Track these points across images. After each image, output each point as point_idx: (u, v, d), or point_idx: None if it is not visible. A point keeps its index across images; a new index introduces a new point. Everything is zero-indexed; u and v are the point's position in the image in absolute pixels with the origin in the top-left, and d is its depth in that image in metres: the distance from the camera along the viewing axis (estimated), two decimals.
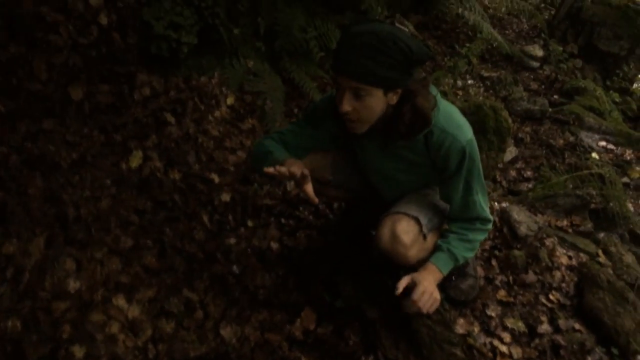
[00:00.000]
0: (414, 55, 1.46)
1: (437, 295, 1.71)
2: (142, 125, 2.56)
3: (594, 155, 4.07)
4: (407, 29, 1.53)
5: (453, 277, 2.21)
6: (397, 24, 1.53)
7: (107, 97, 2.52)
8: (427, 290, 1.67)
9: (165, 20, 2.66)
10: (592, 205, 3.11)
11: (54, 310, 1.76)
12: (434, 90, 1.67)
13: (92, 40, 2.55)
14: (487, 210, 1.82)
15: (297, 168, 1.58)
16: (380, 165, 1.89)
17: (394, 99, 1.56)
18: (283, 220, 2.56)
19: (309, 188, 1.63)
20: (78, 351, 1.67)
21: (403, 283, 1.67)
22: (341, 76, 1.49)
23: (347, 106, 1.51)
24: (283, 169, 1.53)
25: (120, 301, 1.88)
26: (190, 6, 2.76)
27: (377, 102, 1.53)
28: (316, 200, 1.66)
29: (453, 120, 1.67)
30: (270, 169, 1.52)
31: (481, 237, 1.85)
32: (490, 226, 1.86)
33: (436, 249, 1.82)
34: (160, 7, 2.67)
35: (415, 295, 1.65)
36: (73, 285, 1.86)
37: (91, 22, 2.56)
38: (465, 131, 1.66)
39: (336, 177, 2.01)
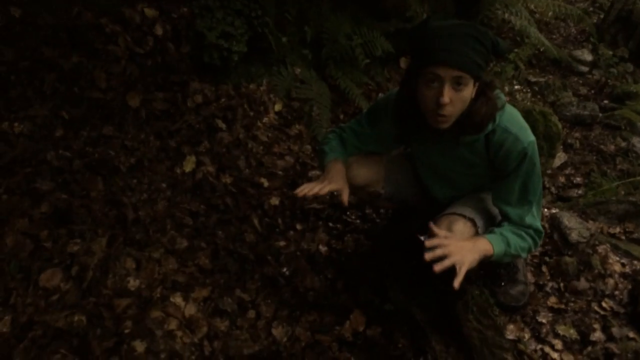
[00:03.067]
0: (500, 47, 1.49)
1: (464, 254, 1.53)
2: (195, 131, 2.65)
3: None
4: None
5: (503, 283, 2.19)
6: None
7: (162, 105, 2.63)
8: (453, 248, 1.52)
9: (217, 30, 2.75)
10: None
11: (116, 307, 1.85)
12: (500, 96, 1.68)
13: (148, 50, 2.67)
14: (539, 222, 1.78)
15: (334, 185, 1.74)
16: (436, 164, 1.91)
17: (474, 91, 1.55)
18: (331, 224, 2.60)
19: (344, 198, 1.77)
20: (139, 346, 1.75)
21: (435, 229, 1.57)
22: (442, 66, 1.44)
23: (447, 98, 1.46)
24: (316, 189, 1.69)
25: (178, 299, 1.96)
26: (240, 16, 2.85)
27: (470, 92, 1.52)
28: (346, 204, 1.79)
29: (516, 121, 1.67)
30: (305, 191, 1.68)
31: (532, 244, 1.78)
32: (540, 240, 1.80)
33: (488, 232, 1.76)
34: (212, 17, 2.77)
35: (435, 241, 1.51)
36: (133, 283, 1.95)
37: (147, 33, 2.69)
38: (527, 133, 1.66)
39: (388, 190, 2.06)
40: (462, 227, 1.76)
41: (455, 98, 1.49)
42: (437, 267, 1.46)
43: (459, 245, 1.55)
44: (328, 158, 1.90)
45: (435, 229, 1.58)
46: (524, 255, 1.79)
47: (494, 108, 1.60)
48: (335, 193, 1.84)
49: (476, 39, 1.43)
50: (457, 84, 1.47)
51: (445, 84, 1.46)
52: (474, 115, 1.58)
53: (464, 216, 1.78)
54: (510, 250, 1.72)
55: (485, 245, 1.66)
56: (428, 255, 1.47)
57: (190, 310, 1.95)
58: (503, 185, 1.74)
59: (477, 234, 1.77)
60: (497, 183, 1.78)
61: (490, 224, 1.88)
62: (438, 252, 1.48)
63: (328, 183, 1.76)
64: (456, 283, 1.49)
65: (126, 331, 1.78)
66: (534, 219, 1.76)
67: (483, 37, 1.45)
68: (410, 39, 1.56)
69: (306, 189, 1.70)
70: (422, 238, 1.57)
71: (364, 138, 1.96)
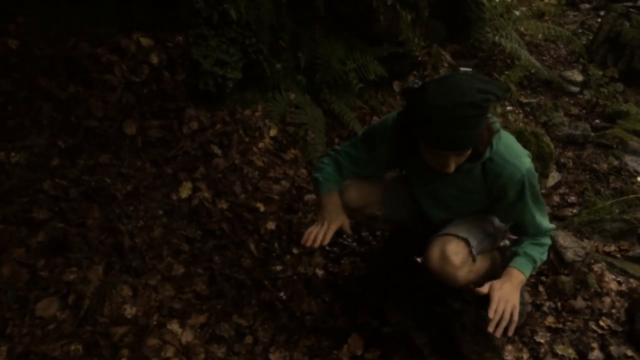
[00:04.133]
0: (499, 97, 1.52)
1: (514, 300, 1.68)
2: (190, 158, 2.67)
3: None
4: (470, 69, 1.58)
5: None
6: (462, 69, 1.57)
7: (158, 132, 2.65)
8: (502, 297, 1.66)
9: (212, 58, 2.79)
10: None
11: (112, 335, 1.84)
12: (495, 122, 1.72)
13: (144, 79, 2.70)
14: (549, 222, 1.88)
15: (334, 225, 1.82)
16: (433, 189, 1.94)
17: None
18: (327, 247, 2.60)
19: (347, 229, 1.90)
20: None
21: (484, 289, 1.69)
22: (447, 150, 1.54)
23: (452, 167, 1.58)
24: (321, 237, 1.77)
25: (174, 326, 1.95)
26: (235, 44, 2.89)
27: (464, 157, 1.60)
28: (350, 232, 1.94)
29: (513, 149, 1.72)
30: (312, 243, 1.76)
31: (549, 244, 1.89)
32: (551, 239, 1.92)
33: (513, 255, 1.85)
34: (207, 45, 2.81)
35: (490, 310, 1.64)
36: (130, 311, 1.94)
37: (143, 62, 2.72)
38: (524, 160, 1.71)
39: (385, 212, 2.08)
40: (455, 247, 1.79)
41: (458, 161, 1.59)
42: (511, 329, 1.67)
43: (505, 294, 1.68)
44: (323, 190, 1.92)
45: (477, 290, 1.71)
46: (545, 258, 1.88)
47: (490, 134, 1.64)
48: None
49: (470, 118, 1.45)
50: (460, 155, 1.57)
51: (450, 158, 1.56)
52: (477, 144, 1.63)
53: (457, 236, 1.82)
54: (537, 265, 1.83)
55: (519, 277, 1.77)
56: (497, 331, 1.64)
57: (187, 337, 1.94)
58: (509, 211, 1.82)
59: (470, 253, 1.80)
60: (501, 210, 1.86)
61: (487, 241, 1.92)
62: (505, 317, 1.65)
63: (328, 224, 1.81)
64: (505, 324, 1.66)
65: (123, 359, 1.77)
66: (546, 223, 1.85)
67: (477, 111, 1.45)
68: (411, 112, 1.61)
69: (312, 240, 1.77)
70: (418, 260, 1.61)
71: (360, 162, 1.98)
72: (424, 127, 1.51)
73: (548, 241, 1.88)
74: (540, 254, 1.84)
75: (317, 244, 1.76)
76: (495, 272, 1.90)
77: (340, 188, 1.97)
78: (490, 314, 1.63)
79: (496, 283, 1.71)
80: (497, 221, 2.00)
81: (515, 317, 1.66)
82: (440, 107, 1.44)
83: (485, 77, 1.58)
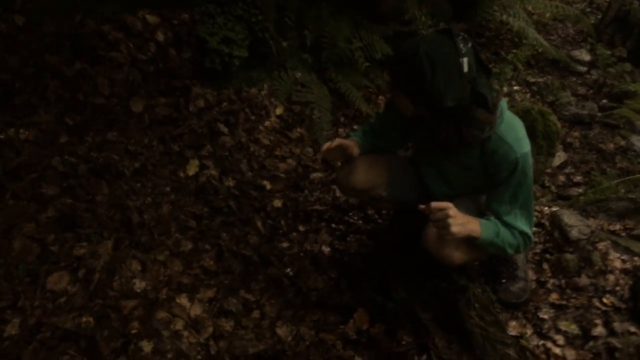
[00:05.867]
0: (429, 92, 1.55)
1: (456, 217, 1.63)
2: (197, 135, 2.68)
3: None
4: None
5: (503, 280, 2.22)
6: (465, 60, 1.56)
7: (165, 109, 2.66)
8: (451, 210, 1.62)
9: (218, 36, 2.78)
10: None
11: (122, 308, 1.87)
12: (503, 103, 1.72)
13: (150, 56, 2.71)
14: (529, 229, 1.83)
15: (340, 141, 1.96)
16: (436, 162, 1.97)
17: (425, 113, 1.67)
18: (333, 225, 2.62)
19: (355, 151, 2.02)
20: (146, 346, 1.77)
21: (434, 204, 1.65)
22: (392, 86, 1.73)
23: (390, 89, 1.76)
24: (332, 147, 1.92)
25: (183, 300, 1.98)
26: (241, 21, 2.89)
27: (406, 105, 1.69)
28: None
29: (513, 132, 1.71)
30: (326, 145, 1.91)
31: (521, 243, 1.83)
32: (528, 242, 1.86)
33: (485, 217, 1.83)
34: (213, 23, 2.80)
35: (436, 204, 1.62)
36: (139, 285, 1.97)
37: (149, 39, 2.72)
38: (522, 144, 1.70)
39: (390, 192, 2.12)
40: None
41: (394, 97, 1.78)
42: (435, 205, 1.61)
43: (455, 212, 1.63)
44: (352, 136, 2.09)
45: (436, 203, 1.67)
46: (509, 251, 1.84)
47: (463, 135, 1.66)
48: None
49: (410, 68, 1.54)
50: (400, 99, 1.70)
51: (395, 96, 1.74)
52: (429, 137, 1.75)
53: None
54: (497, 240, 1.78)
55: (474, 225, 1.73)
56: (430, 204, 1.61)
57: (196, 310, 1.97)
58: (495, 192, 1.80)
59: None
60: (490, 189, 1.84)
61: None
62: (442, 204, 1.61)
63: (338, 140, 1.96)
64: (447, 234, 1.63)
65: (133, 332, 1.81)
66: (523, 224, 1.81)
67: (417, 71, 1.53)
68: None
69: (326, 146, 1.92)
70: (421, 206, 1.62)
71: (377, 130, 2.09)
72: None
73: (518, 240, 1.82)
74: (508, 239, 1.80)
75: (329, 147, 1.91)
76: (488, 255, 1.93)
77: (362, 142, 2.09)
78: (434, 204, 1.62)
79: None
80: None
81: (451, 229, 1.61)
82: (408, 43, 1.60)
83: (461, 78, 1.55)
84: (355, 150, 2.01)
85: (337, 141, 1.94)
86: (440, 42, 1.54)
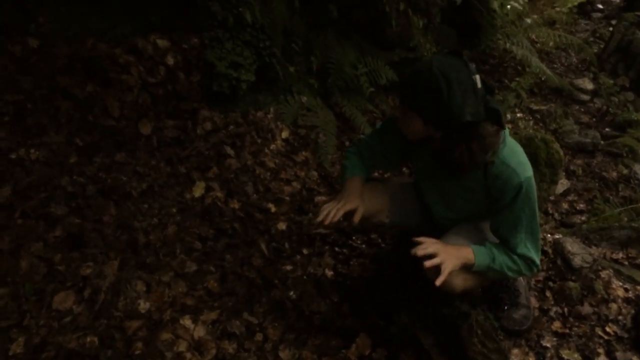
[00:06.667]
0: (448, 109, 1.56)
1: (446, 255, 1.68)
2: (204, 158, 2.72)
3: None
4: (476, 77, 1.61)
5: (506, 307, 2.22)
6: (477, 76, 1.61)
7: (173, 132, 2.70)
8: (440, 249, 1.68)
9: (226, 60, 2.84)
10: None
11: (127, 329, 1.88)
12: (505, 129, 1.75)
13: (160, 80, 2.76)
14: (535, 255, 1.82)
15: (349, 205, 1.86)
16: (437, 185, 1.98)
17: (436, 133, 1.68)
18: (337, 249, 2.64)
19: (357, 217, 1.89)
20: None
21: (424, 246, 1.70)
22: (399, 102, 1.73)
23: (397, 113, 1.77)
24: (333, 213, 1.82)
25: (187, 322, 1.99)
26: (249, 46, 2.94)
27: (416, 126, 1.69)
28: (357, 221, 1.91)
29: (516, 156, 1.73)
30: (327, 218, 1.82)
31: (524, 268, 1.83)
32: (535, 270, 1.85)
33: (479, 244, 1.85)
34: (222, 48, 2.86)
35: (424, 243, 1.68)
36: (143, 305, 1.99)
37: (159, 63, 2.77)
38: (525, 168, 1.72)
39: (392, 219, 2.13)
40: None
41: (402, 120, 1.75)
42: (428, 263, 1.65)
43: (444, 249, 1.70)
44: (347, 175, 2.03)
45: (420, 238, 1.72)
46: (511, 275, 1.84)
47: (473, 158, 1.66)
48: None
49: (427, 87, 1.56)
50: (403, 111, 1.71)
51: (399, 105, 1.74)
52: (440, 159, 1.73)
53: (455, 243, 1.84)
54: (494, 265, 1.79)
55: (467, 254, 1.77)
56: (420, 251, 1.66)
57: (199, 332, 1.98)
58: (499, 217, 1.81)
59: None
60: (494, 214, 1.84)
61: None
62: (429, 250, 1.67)
63: (344, 204, 1.87)
64: (438, 281, 1.66)
65: (137, 352, 1.82)
66: (527, 250, 1.80)
67: (434, 90, 1.55)
68: None
69: (326, 215, 1.82)
70: (413, 251, 1.67)
71: (376, 152, 2.07)
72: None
73: (519, 265, 1.81)
74: (506, 263, 1.80)
75: (327, 222, 1.82)
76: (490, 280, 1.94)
77: (365, 174, 2.07)
78: (422, 245, 1.68)
79: (441, 242, 1.76)
80: None
81: (444, 271, 1.66)
82: (419, 64, 1.62)
83: (475, 93, 1.59)
84: (359, 213, 1.90)
85: (343, 210, 1.85)
86: (451, 61, 1.58)
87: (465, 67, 1.57)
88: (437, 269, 1.69)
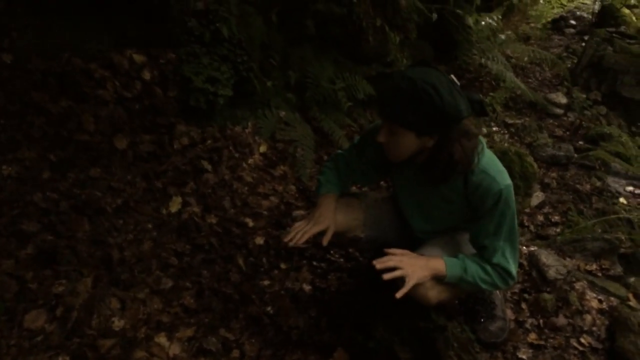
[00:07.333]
0: (446, 111, 1.57)
1: (413, 267, 1.70)
2: (181, 173, 2.70)
3: (622, 200, 4.06)
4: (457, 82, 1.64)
5: (482, 319, 2.24)
6: (452, 76, 1.64)
7: (149, 147, 2.68)
8: (406, 261, 1.70)
9: (203, 75, 2.84)
10: (622, 250, 3.11)
11: (100, 347, 1.85)
12: (482, 139, 1.78)
13: (136, 94, 2.75)
14: (512, 265, 1.82)
15: (319, 227, 1.88)
16: (416, 197, 1.99)
17: (429, 142, 1.68)
18: (315, 263, 2.63)
19: (325, 240, 1.91)
20: None
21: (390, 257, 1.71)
22: (381, 117, 1.69)
23: (382, 138, 1.70)
24: (301, 234, 1.85)
25: (162, 339, 1.96)
26: (226, 61, 2.95)
27: (409, 142, 1.67)
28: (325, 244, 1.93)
29: (495, 165, 1.77)
30: (295, 238, 1.84)
31: (498, 280, 1.83)
32: (510, 281, 1.85)
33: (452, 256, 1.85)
34: (199, 63, 2.86)
35: (388, 255, 1.70)
36: (117, 323, 1.96)
37: (135, 78, 2.76)
38: (504, 177, 1.75)
39: (367, 234, 2.13)
40: None
41: (392, 141, 1.70)
42: (386, 276, 1.65)
43: (411, 261, 1.72)
44: (321, 190, 2.04)
45: (390, 250, 1.73)
46: (484, 287, 1.84)
47: (458, 162, 1.68)
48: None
49: (411, 97, 1.56)
50: (392, 131, 1.67)
51: (384, 127, 1.70)
52: (435, 166, 1.72)
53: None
54: (467, 277, 1.80)
55: (438, 265, 1.78)
56: (378, 264, 1.66)
57: (175, 350, 1.96)
58: (479, 225, 1.82)
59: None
60: (473, 222, 1.85)
61: None
62: (390, 263, 1.67)
63: (314, 224, 1.89)
64: (399, 294, 1.68)
65: None
66: (504, 259, 1.81)
67: (419, 97, 1.55)
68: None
69: (294, 236, 1.84)
70: (374, 262, 1.68)
71: (354, 166, 2.09)
72: (379, 97, 1.69)
73: (492, 277, 1.82)
74: (479, 274, 1.80)
75: (292, 243, 1.84)
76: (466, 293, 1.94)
77: (339, 191, 2.08)
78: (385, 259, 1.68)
79: (409, 254, 1.77)
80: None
81: (408, 283, 1.67)
82: (395, 77, 1.61)
83: (457, 90, 1.62)
84: (329, 234, 1.92)
85: (311, 233, 1.87)
86: (425, 70, 1.60)
87: (437, 71, 1.61)
88: (403, 281, 1.71)
